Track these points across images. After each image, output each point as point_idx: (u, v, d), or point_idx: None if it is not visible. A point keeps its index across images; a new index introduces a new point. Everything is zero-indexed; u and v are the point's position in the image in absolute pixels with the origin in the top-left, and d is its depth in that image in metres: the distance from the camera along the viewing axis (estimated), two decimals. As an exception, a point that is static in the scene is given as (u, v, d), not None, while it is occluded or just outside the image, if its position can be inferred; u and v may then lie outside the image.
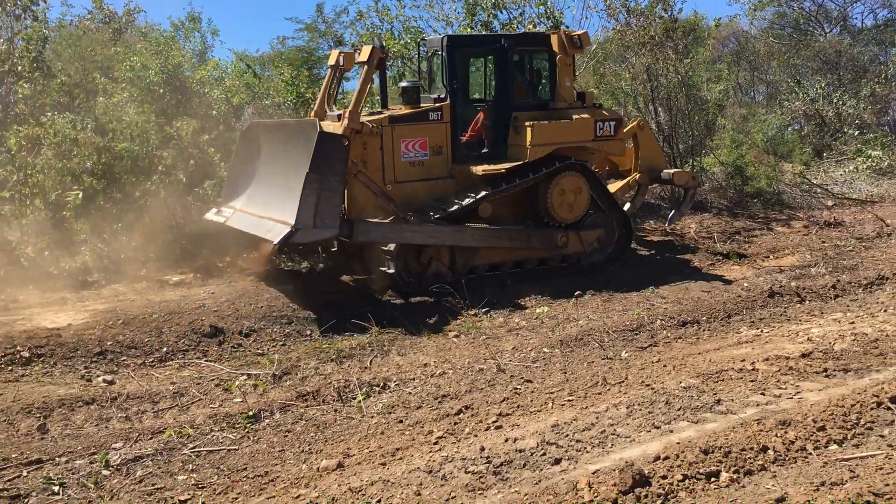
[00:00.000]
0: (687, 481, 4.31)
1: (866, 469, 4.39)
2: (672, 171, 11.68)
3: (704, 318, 7.94)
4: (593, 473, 4.44)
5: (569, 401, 5.75)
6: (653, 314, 8.14)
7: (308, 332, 7.85)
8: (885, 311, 7.89)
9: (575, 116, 10.00)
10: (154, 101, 12.05)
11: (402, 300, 9.01)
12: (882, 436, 4.86)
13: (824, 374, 6.02)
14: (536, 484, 4.40)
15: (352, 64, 9.81)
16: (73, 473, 4.83)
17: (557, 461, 4.67)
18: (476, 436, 5.20)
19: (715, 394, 5.63)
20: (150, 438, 5.35)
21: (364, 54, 9.16)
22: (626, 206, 11.30)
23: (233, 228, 9.19)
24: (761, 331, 7.46)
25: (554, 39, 10.19)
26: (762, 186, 14.75)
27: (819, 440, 4.80)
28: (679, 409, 5.37)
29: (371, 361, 7.03)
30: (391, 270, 9.01)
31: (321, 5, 29.72)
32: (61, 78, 14.21)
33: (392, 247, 9.01)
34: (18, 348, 6.84)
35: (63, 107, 13.62)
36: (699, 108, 15.38)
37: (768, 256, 11.22)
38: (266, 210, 8.74)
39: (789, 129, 20.25)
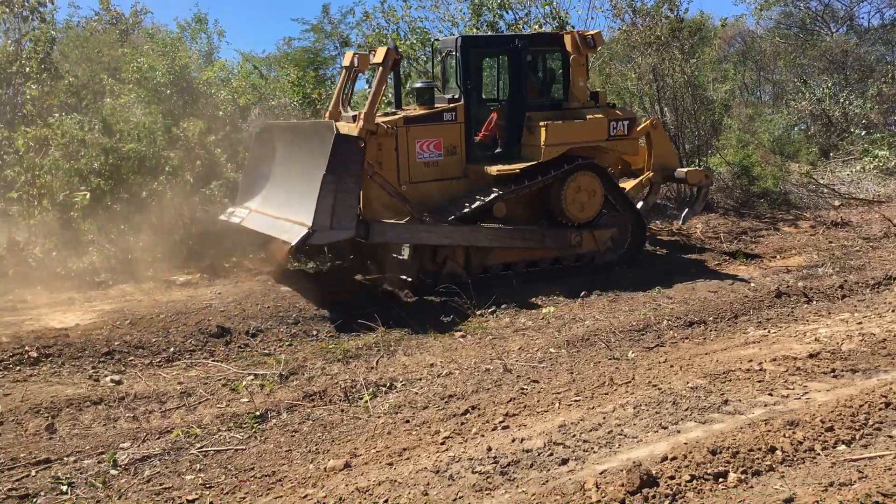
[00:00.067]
0: (695, 482, 4.31)
1: (875, 469, 4.37)
2: (685, 169, 11.64)
3: (711, 319, 7.93)
4: (601, 474, 4.43)
5: (576, 401, 5.74)
6: (659, 314, 8.13)
7: (314, 332, 7.87)
8: (893, 311, 7.85)
9: (589, 116, 9.99)
10: (161, 101, 12.09)
11: (409, 300, 9.02)
12: (891, 436, 4.84)
13: (832, 374, 6.00)
14: (544, 484, 4.40)
15: (366, 65, 9.83)
16: (81, 473, 4.85)
17: (565, 461, 4.67)
18: (483, 436, 5.20)
19: (722, 394, 5.62)
20: (158, 438, 5.37)
21: (379, 56, 9.16)
22: (639, 205, 11.30)
23: (242, 229, 9.23)
24: (768, 331, 7.43)
25: (567, 39, 10.19)
26: (769, 186, 14.69)
27: (827, 441, 4.79)
28: (686, 410, 5.36)
29: (377, 361, 7.04)
30: (409, 278, 9.12)
31: (327, 6, 29.47)
32: (69, 79, 14.27)
33: (406, 254, 9.05)
34: (27, 348, 6.89)
35: (70, 108, 13.70)
36: (705, 108, 15.35)
37: (775, 256, 11.19)
38: (282, 211, 8.76)
39: (796, 129, 20.18)
